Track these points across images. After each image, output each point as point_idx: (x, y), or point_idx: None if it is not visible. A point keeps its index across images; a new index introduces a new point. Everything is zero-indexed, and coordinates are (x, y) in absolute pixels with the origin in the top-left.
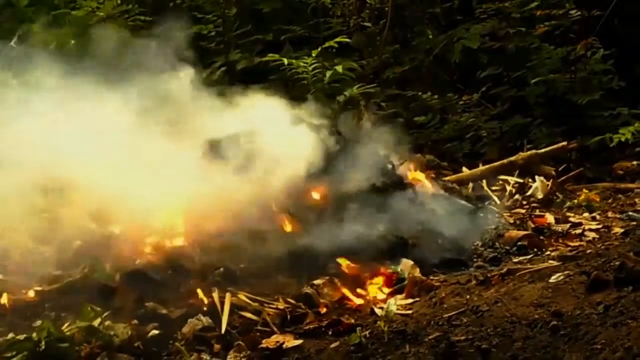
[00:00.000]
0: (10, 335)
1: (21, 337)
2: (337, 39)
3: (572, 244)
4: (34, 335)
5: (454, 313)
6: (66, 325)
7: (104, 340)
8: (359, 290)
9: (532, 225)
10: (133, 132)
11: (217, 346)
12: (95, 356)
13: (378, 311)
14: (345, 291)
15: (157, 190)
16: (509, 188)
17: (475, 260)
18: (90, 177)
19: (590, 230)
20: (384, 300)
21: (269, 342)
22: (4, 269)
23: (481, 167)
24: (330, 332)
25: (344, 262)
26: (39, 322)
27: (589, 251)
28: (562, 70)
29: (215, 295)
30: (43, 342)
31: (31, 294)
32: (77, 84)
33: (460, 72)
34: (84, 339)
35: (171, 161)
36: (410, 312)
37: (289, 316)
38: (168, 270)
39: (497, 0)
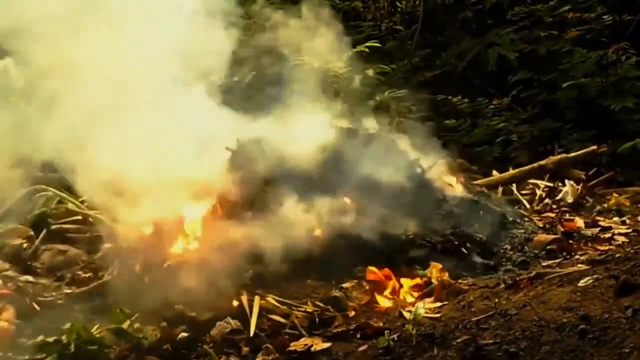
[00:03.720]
0: (40, 337)
1: (50, 339)
2: (368, 44)
3: (601, 248)
4: (64, 337)
5: (482, 316)
6: (95, 327)
7: (133, 342)
8: (387, 294)
9: (562, 229)
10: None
11: (245, 349)
12: (124, 358)
13: (406, 314)
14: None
15: (187, 191)
16: (538, 192)
17: (504, 263)
18: (120, 175)
19: (620, 234)
20: (413, 304)
21: (298, 345)
22: (33, 270)
23: (511, 171)
24: (358, 335)
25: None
26: (68, 325)
27: (618, 255)
28: (594, 74)
29: (244, 298)
30: (72, 345)
31: (61, 296)
32: None
33: (491, 76)
34: (113, 341)
35: (198, 160)
36: (438, 315)
37: (317, 319)
38: (197, 273)
39: (529, 3)
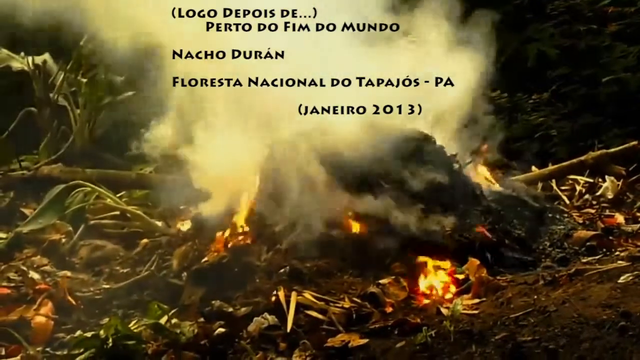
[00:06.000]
0: (78, 332)
1: (89, 334)
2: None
3: None
4: (102, 332)
5: (521, 313)
6: (133, 322)
7: (170, 338)
8: (425, 290)
9: (602, 226)
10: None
11: (282, 345)
12: (162, 354)
13: (444, 311)
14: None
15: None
16: (578, 188)
17: (543, 260)
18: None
19: None
20: (450, 300)
21: (335, 341)
22: (72, 266)
23: (550, 167)
24: (396, 332)
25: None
26: (106, 320)
27: None
28: (634, 69)
29: (281, 293)
30: (110, 340)
31: (99, 291)
32: None
33: (530, 71)
34: (151, 337)
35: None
36: (476, 312)
37: (354, 315)
38: (234, 269)
39: None
